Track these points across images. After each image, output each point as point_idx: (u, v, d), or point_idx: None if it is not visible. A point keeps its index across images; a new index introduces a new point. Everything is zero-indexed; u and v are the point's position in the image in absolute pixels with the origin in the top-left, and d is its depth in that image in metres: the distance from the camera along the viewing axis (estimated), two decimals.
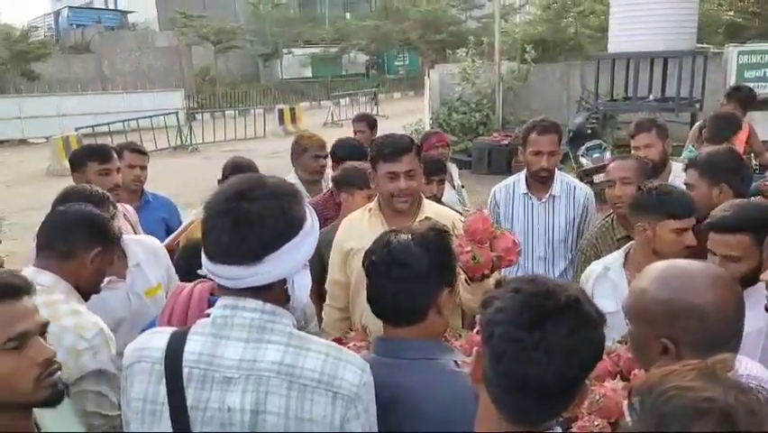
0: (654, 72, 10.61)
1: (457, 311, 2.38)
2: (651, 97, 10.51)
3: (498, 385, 1.15)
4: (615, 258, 2.54)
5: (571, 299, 1.12)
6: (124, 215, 3.07)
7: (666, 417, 0.91)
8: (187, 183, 11.21)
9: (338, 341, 1.89)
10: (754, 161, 4.64)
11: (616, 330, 1.63)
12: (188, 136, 18.01)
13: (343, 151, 3.88)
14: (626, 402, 1.61)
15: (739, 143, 4.16)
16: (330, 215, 3.23)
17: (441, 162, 3.76)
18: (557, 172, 3.33)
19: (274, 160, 11.72)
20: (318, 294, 2.73)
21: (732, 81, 10.06)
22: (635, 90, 10.29)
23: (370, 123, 5.07)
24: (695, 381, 0.93)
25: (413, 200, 2.55)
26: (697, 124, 5.51)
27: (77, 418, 1.68)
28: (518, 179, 3.39)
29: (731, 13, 17.22)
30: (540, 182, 3.28)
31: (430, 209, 2.60)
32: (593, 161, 8.76)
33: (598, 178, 8.43)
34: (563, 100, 12.76)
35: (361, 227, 2.60)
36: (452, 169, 4.44)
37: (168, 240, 3.22)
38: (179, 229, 3.39)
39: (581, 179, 5.52)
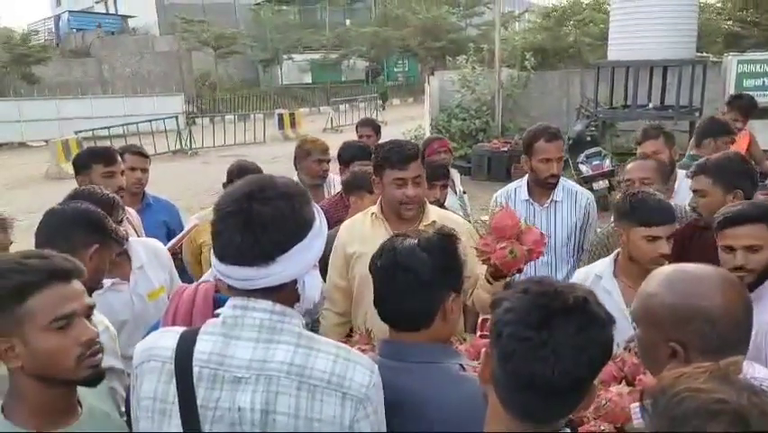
0: (654, 80, 10.64)
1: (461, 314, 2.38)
2: (650, 106, 10.54)
3: (507, 385, 1.16)
4: (605, 265, 2.54)
5: (579, 300, 1.13)
6: (127, 217, 3.07)
7: (679, 418, 0.91)
8: (186, 187, 11.22)
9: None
10: None
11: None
12: (188, 141, 17.96)
13: (351, 153, 3.89)
14: (632, 406, 1.62)
15: (740, 151, 4.18)
16: (341, 216, 3.23)
17: (444, 168, 3.79)
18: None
19: (274, 165, 11.70)
20: None
21: (731, 90, 10.08)
22: (634, 98, 10.32)
23: (375, 127, 5.12)
24: (707, 383, 0.93)
25: (418, 207, 2.56)
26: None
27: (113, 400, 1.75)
28: (520, 186, 3.40)
29: (730, 22, 17.27)
30: (547, 189, 3.29)
31: (435, 214, 2.60)
32: (593, 169, 8.77)
33: (597, 185, 8.47)
34: (563, 108, 12.76)
35: (363, 231, 2.60)
36: (455, 174, 4.46)
37: (170, 244, 3.22)
38: (181, 233, 3.40)
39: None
